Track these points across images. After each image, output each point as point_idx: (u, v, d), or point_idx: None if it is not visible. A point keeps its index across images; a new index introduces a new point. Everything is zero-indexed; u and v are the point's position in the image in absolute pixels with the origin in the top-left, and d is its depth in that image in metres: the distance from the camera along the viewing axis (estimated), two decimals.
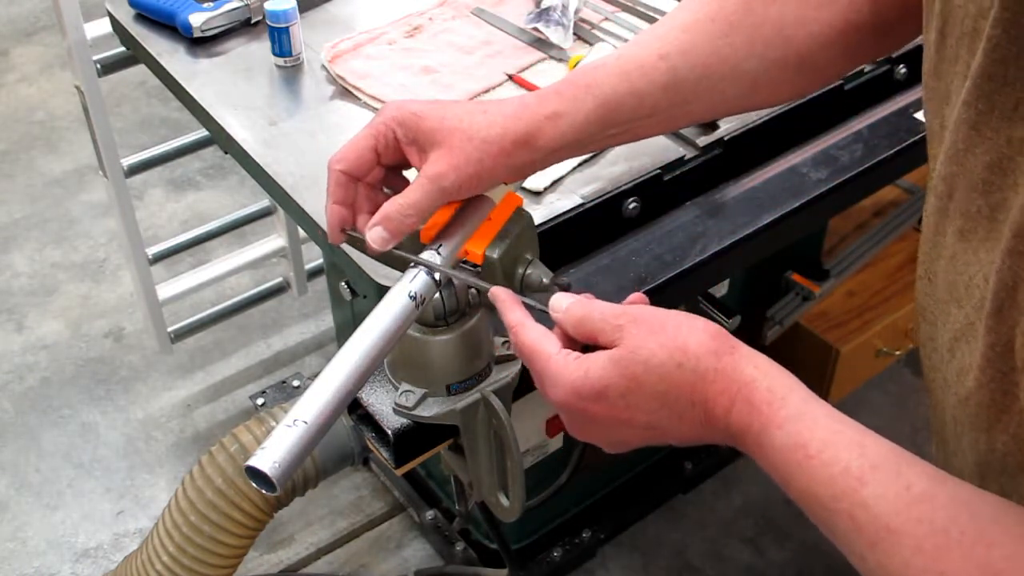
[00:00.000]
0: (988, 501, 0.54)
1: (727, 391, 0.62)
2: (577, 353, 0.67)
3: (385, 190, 0.80)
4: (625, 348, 0.64)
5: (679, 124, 0.86)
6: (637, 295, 0.72)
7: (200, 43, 1.34)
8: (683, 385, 0.63)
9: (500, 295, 0.74)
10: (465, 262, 0.81)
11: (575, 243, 1.07)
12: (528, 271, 0.81)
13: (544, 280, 0.81)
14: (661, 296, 1.06)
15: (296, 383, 2.03)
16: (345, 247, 0.93)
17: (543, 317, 0.72)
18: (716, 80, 0.79)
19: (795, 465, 0.59)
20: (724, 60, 0.78)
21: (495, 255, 0.78)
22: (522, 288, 0.82)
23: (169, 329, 1.96)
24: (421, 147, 0.75)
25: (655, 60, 0.78)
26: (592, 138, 0.79)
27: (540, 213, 1.04)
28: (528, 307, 0.73)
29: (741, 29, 0.78)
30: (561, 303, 0.70)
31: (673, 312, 0.67)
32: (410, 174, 0.79)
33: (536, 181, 1.07)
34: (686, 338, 0.64)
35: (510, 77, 1.24)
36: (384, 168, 0.79)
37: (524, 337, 0.70)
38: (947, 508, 0.53)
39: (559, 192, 1.08)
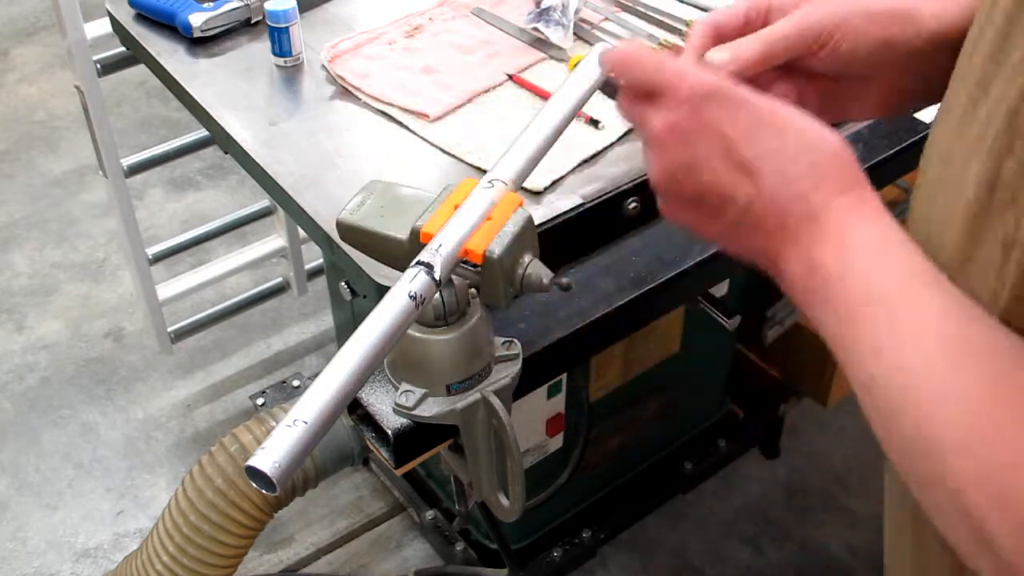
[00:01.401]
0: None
1: (844, 181, 0.59)
2: None
3: None
4: (776, 102, 0.61)
5: None
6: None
7: (200, 43, 1.34)
8: (812, 156, 0.59)
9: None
10: (465, 262, 0.81)
11: (575, 243, 1.07)
12: (528, 271, 0.81)
13: (544, 280, 0.81)
14: (661, 296, 1.06)
15: (296, 383, 2.03)
16: (345, 246, 0.93)
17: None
18: None
19: (883, 253, 0.56)
20: None
21: (495, 255, 0.78)
22: (522, 288, 0.82)
23: (169, 329, 1.96)
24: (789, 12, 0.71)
25: None
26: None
27: (540, 213, 1.04)
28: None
29: None
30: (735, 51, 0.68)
31: None
32: None
33: (536, 181, 1.07)
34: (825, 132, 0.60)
35: (510, 77, 1.24)
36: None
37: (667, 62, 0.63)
38: (983, 329, 0.52)
39: (559, 192, 1.08)
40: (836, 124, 0.71)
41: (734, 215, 0.62)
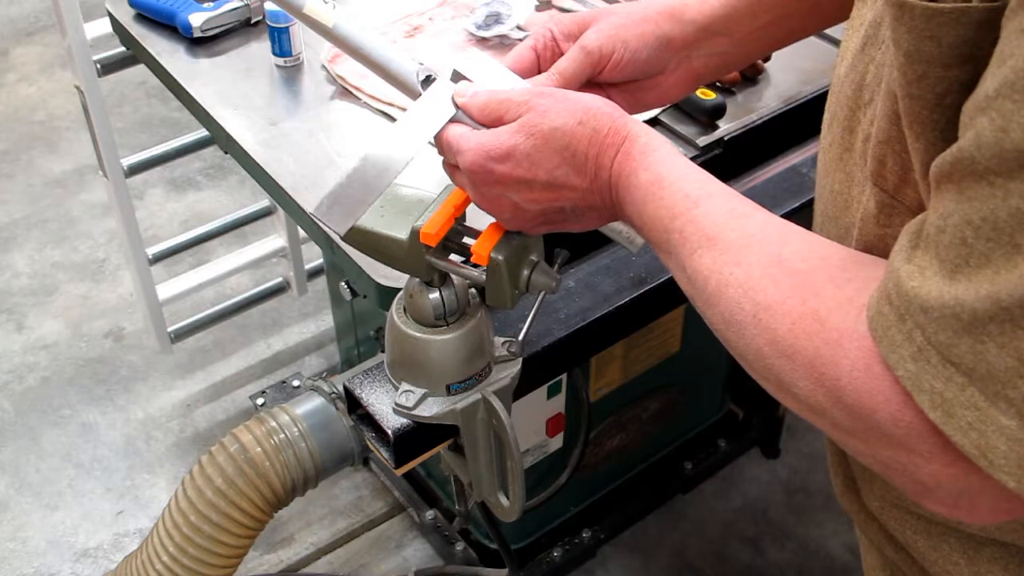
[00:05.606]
0: (800, 227, 0.62)
1: (615, 143, 0.69)
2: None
3: None
4: (534, 113, 0.70)
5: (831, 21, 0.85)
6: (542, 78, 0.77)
7: (200, 43, 1.34)
8: (582, 139, 0.69)
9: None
10: (469, 263, 0.81)
11: (576, 243, 1.07)
12: (533, 273, 0.81)
13: (552, 284, 0.81)
14: (661, 296, 1.06)
15: (296, 383, 2.03)
16: (345, 246, 0.93)
17: None
18: None
19: (650, 196, 0.67)
20: None
21: (500, 257, 0.78)
22: (527, 290, 0.82)
23: (169, 329, 1.96)
24: (576, 37, 0.79)
25: None
26: (741, 18, 0.80)
27: None
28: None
29: None
30: (466, 90, 0.75)
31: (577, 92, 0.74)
32: None
33: None
34: (588, 103, 0.71)
35: None
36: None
37: (444, 131, 0.75)
38: (760, 222, 0.63)
39: None
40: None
41: (572, 214, 0.74)
